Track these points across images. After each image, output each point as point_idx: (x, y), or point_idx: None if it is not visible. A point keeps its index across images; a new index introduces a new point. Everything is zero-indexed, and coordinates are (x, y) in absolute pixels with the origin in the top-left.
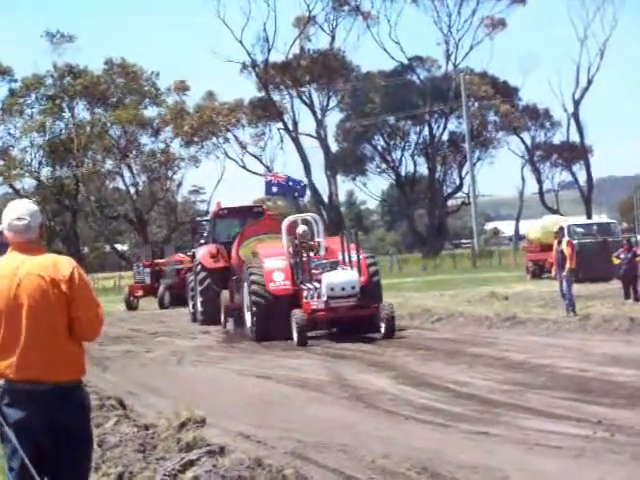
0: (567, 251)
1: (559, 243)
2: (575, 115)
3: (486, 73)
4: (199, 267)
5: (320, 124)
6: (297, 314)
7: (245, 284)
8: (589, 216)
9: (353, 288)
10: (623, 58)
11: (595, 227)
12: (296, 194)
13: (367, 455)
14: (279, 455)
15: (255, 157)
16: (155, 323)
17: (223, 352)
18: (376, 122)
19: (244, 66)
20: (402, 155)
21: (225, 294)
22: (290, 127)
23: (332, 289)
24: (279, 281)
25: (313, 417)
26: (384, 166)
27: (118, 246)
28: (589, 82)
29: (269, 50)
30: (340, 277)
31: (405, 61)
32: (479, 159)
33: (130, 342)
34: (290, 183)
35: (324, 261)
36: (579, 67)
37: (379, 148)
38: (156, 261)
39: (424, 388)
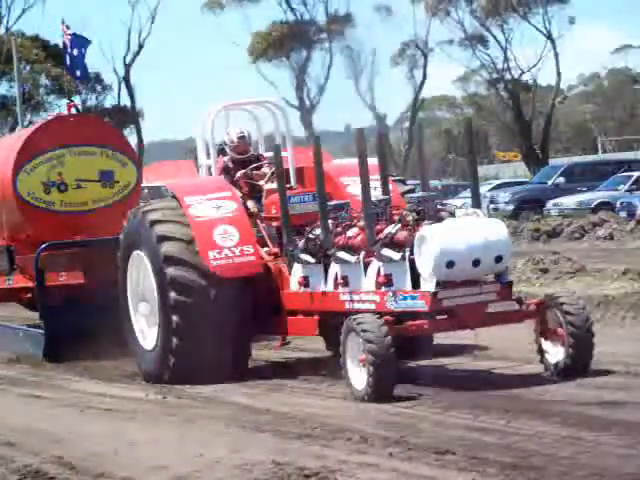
0: None
1: None
2: (126, 79)
3: (38, 37)
4: None
5: None
6: (369, 323)
7: (136, 254)
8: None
9: (499, 261)
10: (175, 23)
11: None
12: (78, 73)
13: None
14: None
15: None
16: None
17: None
18: None
19: None
20: None
21: None
22: None
23: (451, 263)
24: (229, 247)
25: None
26: None
27: None
28: (140, 46)
29: None
30: (473, 235)
31: None
32: (30, 122)
33: None
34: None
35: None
36: (130, 31)
37: None
38: None
39: None
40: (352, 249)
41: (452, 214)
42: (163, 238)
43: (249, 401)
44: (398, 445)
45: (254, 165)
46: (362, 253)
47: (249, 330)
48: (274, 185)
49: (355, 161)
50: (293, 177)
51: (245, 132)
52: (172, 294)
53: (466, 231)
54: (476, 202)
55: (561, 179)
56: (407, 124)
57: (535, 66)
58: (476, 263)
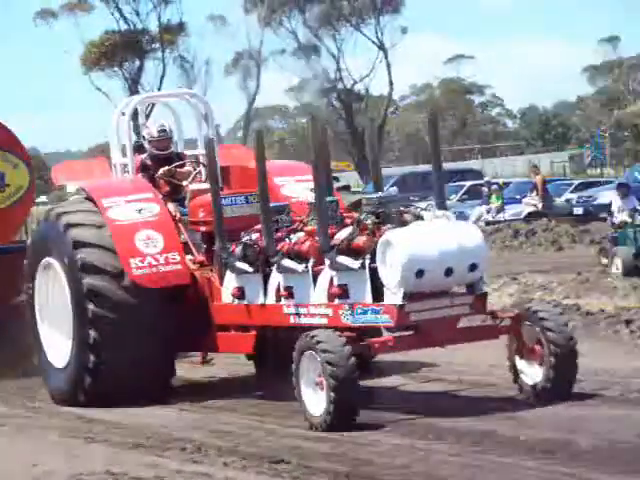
0: None
1: None
2: None
3: None
4: None
5: None
6: (328, 340)
7: (47, 261)
8: None
9: (473, 269)
10: (6, 33)
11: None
12: None
13: None
14: None
15: None
16: None
17: None
18: None
19: None
20: None
21: None
22: None
23: (420, 272)
24: (153, 254)
25: None
26: None
27: None
28: None
29: None
30: (445, 240)
31: None
32: None
33: None
34: None
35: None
36: None
37: None
38: None
39: None
40: (299, 256)
41: (418, 217)
42: (80, 244)
43: (83, 411)
44: (232, 454)
45: (177, 163)
46: (311, 261)
47: (174, 347)
48: (200, 185)
49: (288, 161)
50: (219, 177)
51: (166, 126)
52: (90, 306)
53: (437, 236)
54: (442, 204)
55: (393, 189)
56: (241, 133)
57: (367, 76)
58: (448, 272)
